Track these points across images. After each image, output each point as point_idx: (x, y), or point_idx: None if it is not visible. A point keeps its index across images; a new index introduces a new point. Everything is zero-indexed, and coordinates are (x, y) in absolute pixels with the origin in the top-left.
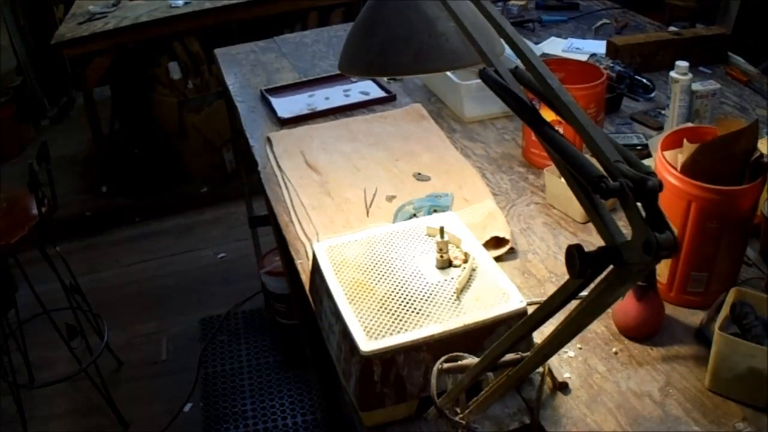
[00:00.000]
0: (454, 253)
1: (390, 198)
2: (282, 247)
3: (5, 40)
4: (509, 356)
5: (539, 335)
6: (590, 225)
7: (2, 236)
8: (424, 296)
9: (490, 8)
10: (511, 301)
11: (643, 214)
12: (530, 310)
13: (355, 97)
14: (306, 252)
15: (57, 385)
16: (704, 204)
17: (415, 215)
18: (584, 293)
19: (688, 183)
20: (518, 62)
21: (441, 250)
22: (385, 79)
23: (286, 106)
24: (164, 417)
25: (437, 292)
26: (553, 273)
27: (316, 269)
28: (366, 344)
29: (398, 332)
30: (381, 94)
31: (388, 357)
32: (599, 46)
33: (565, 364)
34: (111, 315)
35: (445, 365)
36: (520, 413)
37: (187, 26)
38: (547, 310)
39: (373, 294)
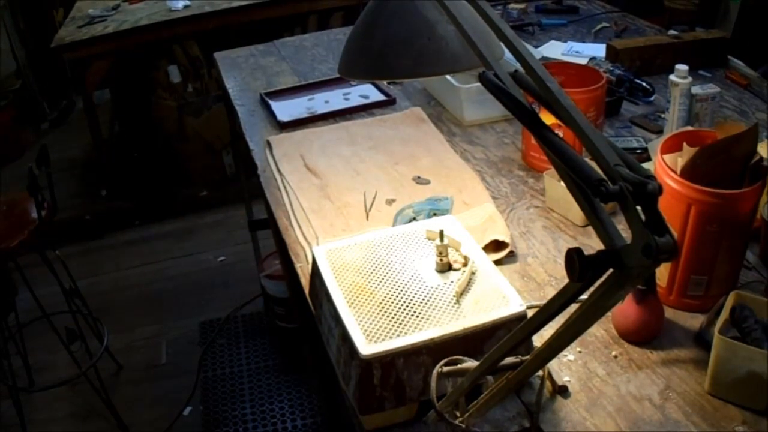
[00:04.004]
0: (453, 256)
1: (390, 201)
2: (282, 250)
3: (5, 43)
4: (509, 360)
5: (539, 339)
6: (590, 228)
7: (2, 240)
8: (423, 300)
9: (489, 12)
10: (511, 305)
11: (643, 217)
12: (530, 313)
13: (355, 100)
14: (306, 255)
15: (56, 389)
16: (704, 207)
17: (414, 219)
18: (584, 297)
19: (687, 186)
20: (518, 66)
21: (441, 253)
22: (385, 82)
23: (285, 109)
24: (164, 421)
25: (437, 295)
26: (552, 276)
27: (315, 273)
28: (366, 348)
29: (398, 336)
30: (381, 97)
31: (388, 360)
32: (599, 50)
33: (564, 367)
34: (111, 318)
35: (445, 369)
36: (520, 417)
37: (186, 30)
38: (546, 313)
39: (373, 297)
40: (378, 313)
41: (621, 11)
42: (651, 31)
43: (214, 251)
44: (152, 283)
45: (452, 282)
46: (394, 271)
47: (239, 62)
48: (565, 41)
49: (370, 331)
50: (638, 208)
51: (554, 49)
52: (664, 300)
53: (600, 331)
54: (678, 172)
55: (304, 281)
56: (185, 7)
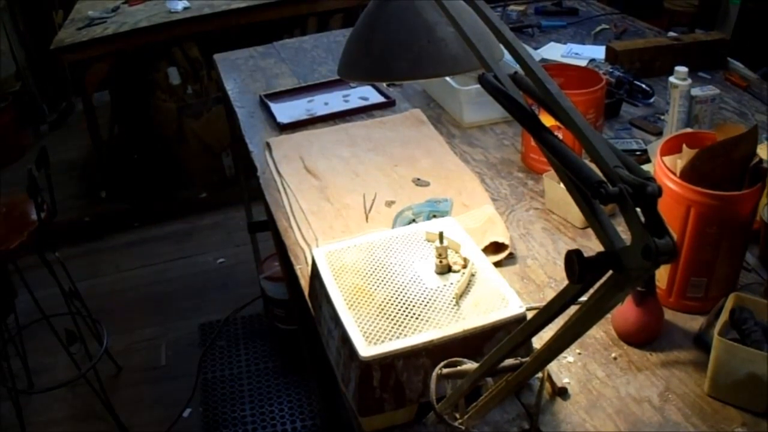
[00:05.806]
0: (453, 258)
1: (389, 203)
2: (281, 252)
3: (5, 45)
4: (508, 361)
5: (538, 340)
6: (589, 230)
7: (1, 242)
8: (423, 301)
9: (489, 13)
10: (511, 307)
11: (643, 219)
12: (529, 315)
13: (355, 102)
14: (305, 257)
15: (56, 391)
16: (703, 209)
17: (414, 220)
18: (583, 298)
19: (687, 188)
20: (517, 67)
21: (440, 255)
22: (385, 84)
23: (285, 111)
24: (163, 422)
25: (436, 297)
26: (552, 278)
27: (315, 274)
28: (365, 350)
29: (397, 337)
30: (380, 99)
31: (388, 362)
32: (598, 52)
33: (564, 369)
34: (110, 320)
35: (445, 370)
36: (520, 418)
37: (186, 32)
38: (546, 315)
39: (373, 299)
40: (377, 315)
41: (620, 13)
42: (650, 33)
43: (214, 253)
44: (152, 285)
45: (452, 284)
46: (393, 273)
47: (239, 64)
48: (565, 43)
49: (370, 333)
50: (638, 209)
51: (554, 51)
52: (664, 302)
53: (599, 332)
54: (677, 173)
55: (304, 283)
56: (185, 8)
